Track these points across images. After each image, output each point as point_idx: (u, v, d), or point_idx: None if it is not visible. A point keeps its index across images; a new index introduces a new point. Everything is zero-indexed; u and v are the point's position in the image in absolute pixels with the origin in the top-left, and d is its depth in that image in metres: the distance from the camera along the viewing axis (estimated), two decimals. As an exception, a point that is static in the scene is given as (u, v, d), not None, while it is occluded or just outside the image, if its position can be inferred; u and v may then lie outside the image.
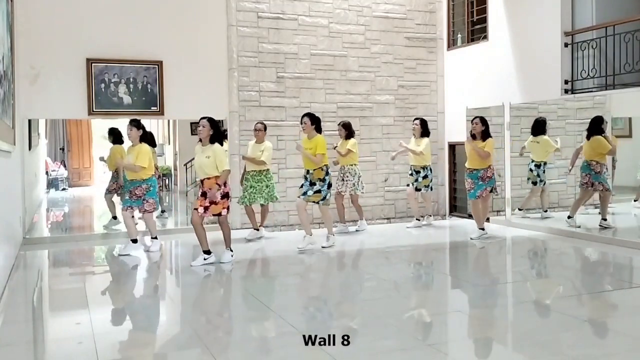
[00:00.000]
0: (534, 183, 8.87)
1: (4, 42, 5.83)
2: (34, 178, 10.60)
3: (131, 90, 8.37)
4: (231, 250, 6.55)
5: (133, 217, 7.21)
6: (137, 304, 5.37)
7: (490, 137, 7.67)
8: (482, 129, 7.59)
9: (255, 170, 7.81)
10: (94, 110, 8.21)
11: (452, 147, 10.02)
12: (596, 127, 7.74)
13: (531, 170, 8.87)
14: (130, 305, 5.29)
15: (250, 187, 7.80)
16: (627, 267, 6.54)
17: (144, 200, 7.02)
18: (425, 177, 8.71)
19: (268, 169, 7.87)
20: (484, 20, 9.39)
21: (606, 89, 7.67)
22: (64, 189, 14.81)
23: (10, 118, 6.47)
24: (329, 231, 7.35)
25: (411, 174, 8.80)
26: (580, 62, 7.88)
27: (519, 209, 9.01)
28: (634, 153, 8.89)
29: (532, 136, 8.82)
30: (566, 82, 7.99)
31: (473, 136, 7.69)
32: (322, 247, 7.18)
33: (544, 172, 8.80)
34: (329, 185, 7.13)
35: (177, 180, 12.73)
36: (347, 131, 8.35)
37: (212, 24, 8.75)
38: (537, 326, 4.39)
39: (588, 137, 7.81)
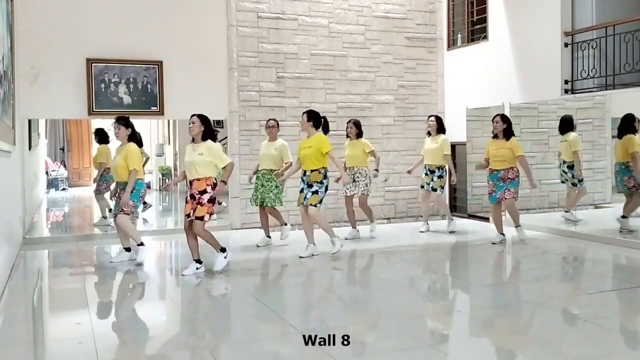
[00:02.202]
0: (573, 184, 8.32)
1: (4, 42, 5.83)
2: (34, 178, 10.61)
3: (131, 90, 8.37)
4: (224, 251, 6.01)
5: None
6: (137, 304, 5.36)
7: (514, 135, 7.29)
8: (503, 127, 7.22)
9: (266, 169, 7.35)
10: (94, 110, 8.21)
11: (452, 147, 10.00)
12: (628, 125, 7.46)
13: (564, 172, 8.37)
14: (130, 305, 5.29)
15: (261, 186, 7.35)
16: (628, 267, 6.54)
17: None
18: (440, 177, 8.18)
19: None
20: (484, 20, 9.40)
21: (606, 89, 7.67)
22: (64, 189, 14.83)
23: (10, 118, 6.47)
24: (331, 235, 6.79)
25: (426, 174, 8.28)
26: (580, 62, 7.88)
27: (565, 211, 8.43)
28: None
29: (561, 136, 8.39)
30: (566, 82, 7.99)
31: (495, 136, 7.34)
32: (333, 253, 6.72)
33: (564, 172, 8.35)
34: (326, 189, 6.73)
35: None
36: (358, 130, 7.90)
37: (212, 24, 8.75)
38: (537, 326, 4.38)
39: (620, 136, 7.52)
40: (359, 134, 7.93)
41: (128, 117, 6.67)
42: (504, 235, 7.47)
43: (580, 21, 7.98)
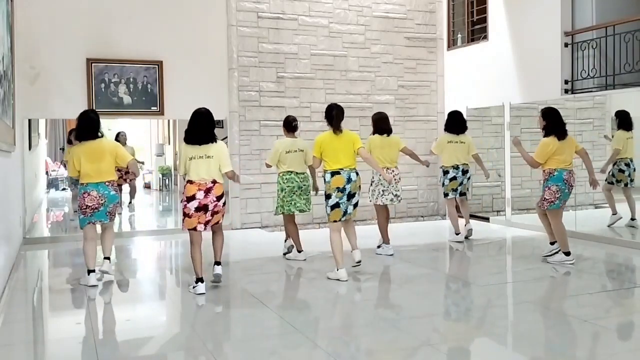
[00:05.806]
0: (626, 185, 7.73)
1: (4, 42, 5.83)
2: (34, 178, 10.60)
3: (131, 90, 8.38)
4: (198, 282, 5.23)
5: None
6: (137, 304, 5.36)
7: (553, 134, 5.97)
8: (542, 124, 6.02)
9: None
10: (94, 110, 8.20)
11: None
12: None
13: (622, 171, 7.74)
14: (130, 305, 5.29)
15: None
16: (628, 267, 6.54)
17: None
18: (469, 178, 7.53)
19: (278, 173, 6.56)
20: (484, 20, 9.40)
21: (606, 89, 7.67)
22: (64, 189, 14.82)
23: (10, 118, 6.47)
24: (338, 262, 5.69)
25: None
26: (580, 62, 7.89)
27: (632, 219, 7.79)
28: (634, 153, 8.84)
29: (623, 131, 7.77)
30: (566, 82, 7.99)
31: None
32: (329, 277, 5.76)
33: (634, 170, 7.77)
34: (327, 197, 5.70)
35: (177, 180, 12.73)
36: (374, 125, 7.03)
37: (212, 24, 8.75)
38: (537, 326, 4.38)
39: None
40: (378, 131, 7.02)
41: (83, 111, 5.78)
42: (568, 255, 6.10)
43: (580, 21, 7.98)
